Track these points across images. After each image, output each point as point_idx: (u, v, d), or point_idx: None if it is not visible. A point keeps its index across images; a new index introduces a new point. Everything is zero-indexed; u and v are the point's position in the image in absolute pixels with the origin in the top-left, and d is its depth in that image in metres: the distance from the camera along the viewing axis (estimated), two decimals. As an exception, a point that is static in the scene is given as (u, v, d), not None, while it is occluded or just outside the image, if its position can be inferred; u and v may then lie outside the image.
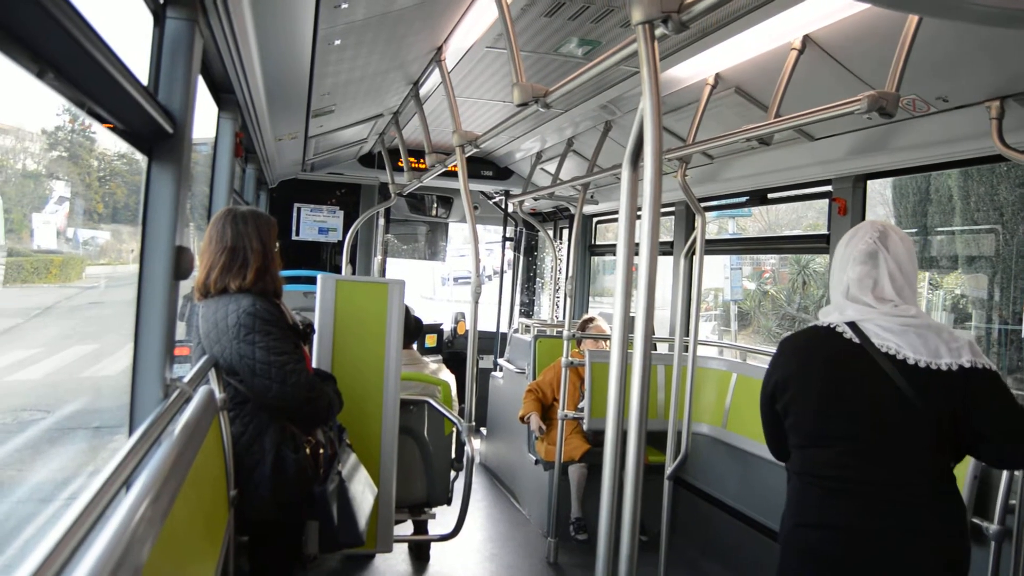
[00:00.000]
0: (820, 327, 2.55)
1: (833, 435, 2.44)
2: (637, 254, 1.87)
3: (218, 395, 2.83)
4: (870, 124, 4.07)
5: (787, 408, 2.57)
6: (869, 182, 4.63)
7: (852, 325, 2.46)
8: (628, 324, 1.90)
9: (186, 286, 2.60)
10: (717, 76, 4.20)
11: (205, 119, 4.02)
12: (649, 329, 1.84)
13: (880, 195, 12.20)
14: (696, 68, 4.10)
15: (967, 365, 2.32)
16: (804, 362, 2.56)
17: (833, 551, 2.40)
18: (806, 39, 3.54)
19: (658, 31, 1.92)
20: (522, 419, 6.00)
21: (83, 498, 1.35)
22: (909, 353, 2.36)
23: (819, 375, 2.50)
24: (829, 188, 4.76)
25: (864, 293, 2.48)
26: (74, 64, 1.60)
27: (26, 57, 1.48)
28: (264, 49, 3.24)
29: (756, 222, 17.36)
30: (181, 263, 2.29)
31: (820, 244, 5.04)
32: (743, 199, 5.80)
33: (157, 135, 2.20)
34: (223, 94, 3.86)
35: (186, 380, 2.44)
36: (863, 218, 4.58)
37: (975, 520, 3.25)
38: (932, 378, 2.33)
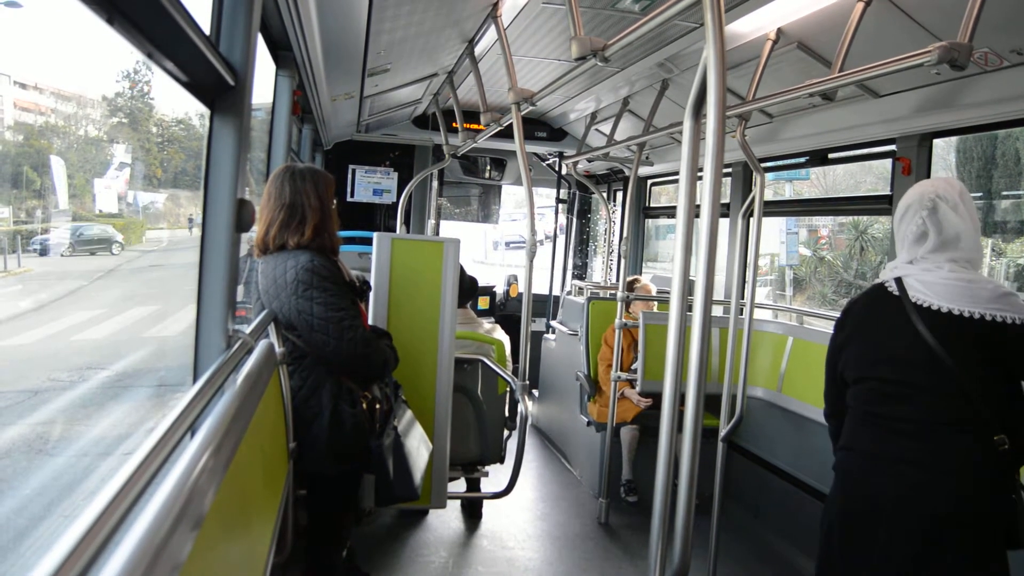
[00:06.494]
0: (875, 285, 2.74)
1: (868, 376, 2.64)
2: (697, 215, 1.83)
3: (278, 349, 2.87)
4: (938, 79, 3.93)
5: (842, 358, 2.77)
6: (935, 142, 4.49)
7: (898, 280, 2.62)
8: (687, 285, 1.86)
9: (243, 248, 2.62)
10: (779, 31, 4.09)
11: (261, 83, 4.05)
12: (710, 292, 1.79)
13: (943, 160, 11.88)
14: (758, 22, 4.00)
15: (999, 319, 2.40)
16: (854, 317, 2.78)
17: (855, 472, 2.63)
18: None
19: (723, -24, 1.87)
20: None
21: (149, 441, 1.35)
22: (934, 300, 2.49)
23: (862, 326, 2.72)
24: (893, 148, 4.62)
25: (915, 262, 2.64)
26: (143, 10, 1.61)
27: (98, 3, 1.49)
28: (321, 4, 3.24)
29: (813, 187, 17.05)
30: (243, 215, 2.31)
31: (882, 204, 4.91)
32: (803, 159, 5.68)
33: (219, 87, 2.22)
34: (281, 51, 3.88)
35: (247, 333, 2.47)
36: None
37: None
38: (955, 325, 2.44)
